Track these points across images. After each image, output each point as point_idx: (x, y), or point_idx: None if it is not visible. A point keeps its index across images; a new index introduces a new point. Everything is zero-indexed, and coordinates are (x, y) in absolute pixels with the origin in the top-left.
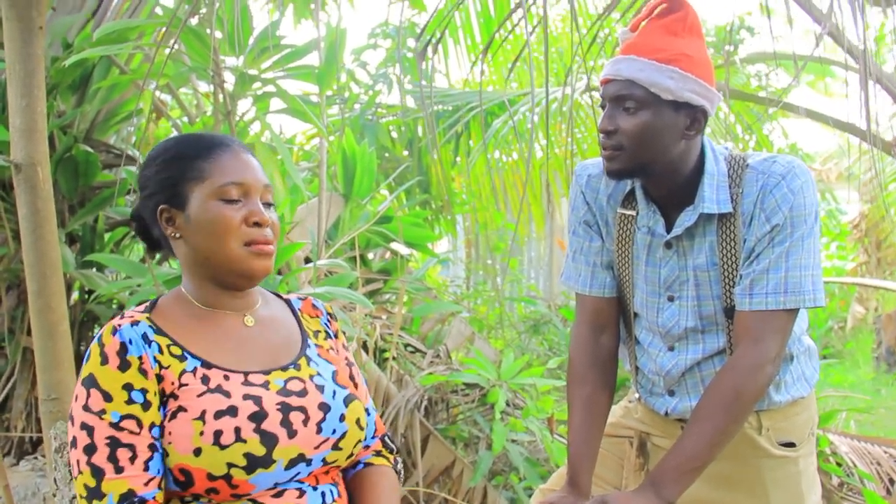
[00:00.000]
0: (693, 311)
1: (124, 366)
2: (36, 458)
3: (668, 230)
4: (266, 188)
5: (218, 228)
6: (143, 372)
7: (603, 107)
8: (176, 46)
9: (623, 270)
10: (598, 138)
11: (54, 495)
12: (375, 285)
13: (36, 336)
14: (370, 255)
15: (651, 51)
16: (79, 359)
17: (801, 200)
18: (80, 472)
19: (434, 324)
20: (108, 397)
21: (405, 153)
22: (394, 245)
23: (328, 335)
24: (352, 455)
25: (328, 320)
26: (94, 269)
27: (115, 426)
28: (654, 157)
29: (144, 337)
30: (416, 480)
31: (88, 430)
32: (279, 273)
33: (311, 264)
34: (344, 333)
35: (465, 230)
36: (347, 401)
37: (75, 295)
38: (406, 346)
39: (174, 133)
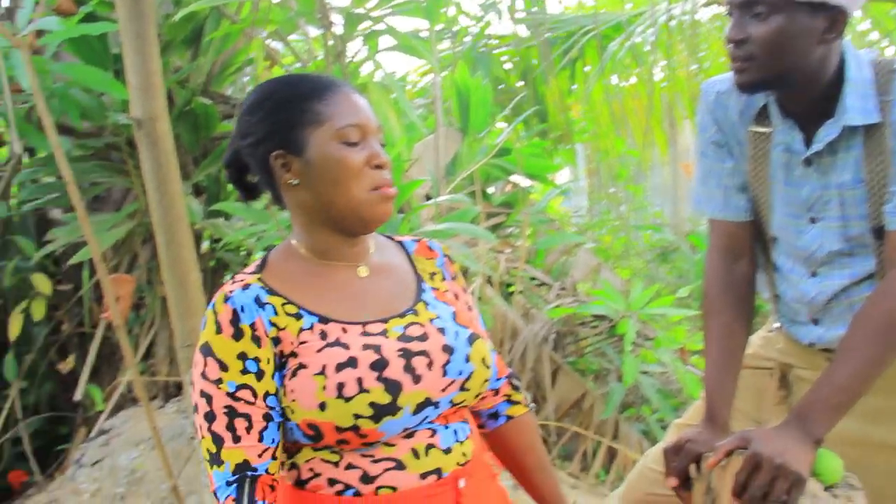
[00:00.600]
0: (838, 232)
1: (238, 334)
2: (180, 400)
3: (808, 146)
4: (379, 129)
5: (342, 173)
6: (257, 339)
7: (730, 14)
8: None
9: (759, 192)
10: (727, 49)
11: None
12: (497, 219)
13: (168, 286)
14: (490, 189)
15: None
16: None
17: None
18: (202, 437)
19: (559, 255)
20: (223, 367)
21: (520, 84)
22: (514, 177)
23: (444, 277)
24: (479, 395)
25: (444, 262)
26: (221, 218)
27: (232, 396)
28: (789, 66)
29: (257, 300)
30: (545, 415)
31: (207, 398)
32: (400, 211)
33: (431, 201)
34: (465, 273)
35: (586, 159)
36: (471, 340)
37: (205, 244)
38: (531, 279)
39: None
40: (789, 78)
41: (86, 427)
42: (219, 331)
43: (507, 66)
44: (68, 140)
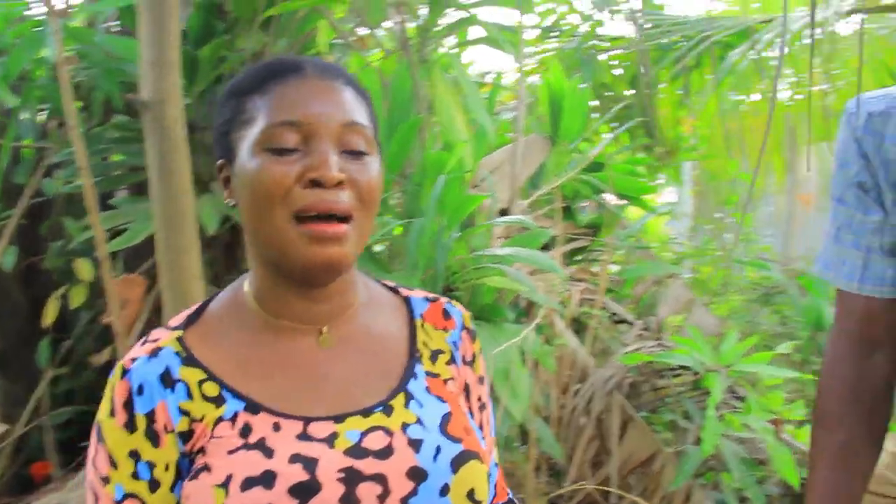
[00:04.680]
0: None
1: (131, 425)
2: None
3: None
4: (350, 128)
5: (258, 193)
6: (154, 436)
7: None
8: None
9: None
10: None
11: None
12: (580, 243)
13: (166, 298)
14: (580, 207)
15: None
16: None
17: None
18: None
19: (649, 286)
20: (113, 463)
21: (629, 92)
22: (604, 196)
23: (454, 359)
24: None
25: (461, 336)
26: None
27: None
28: None
29: (164, 377)
30: (607, 473)
31: (94, 495)
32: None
33: (491, 221)
34: (530, 308)
35: (693, 180)
36: (458, 462)
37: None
38: (611, 315)
39: None
40: None
41: None
42: (112, 412)
43: (617, 71)
44: (127, 119)
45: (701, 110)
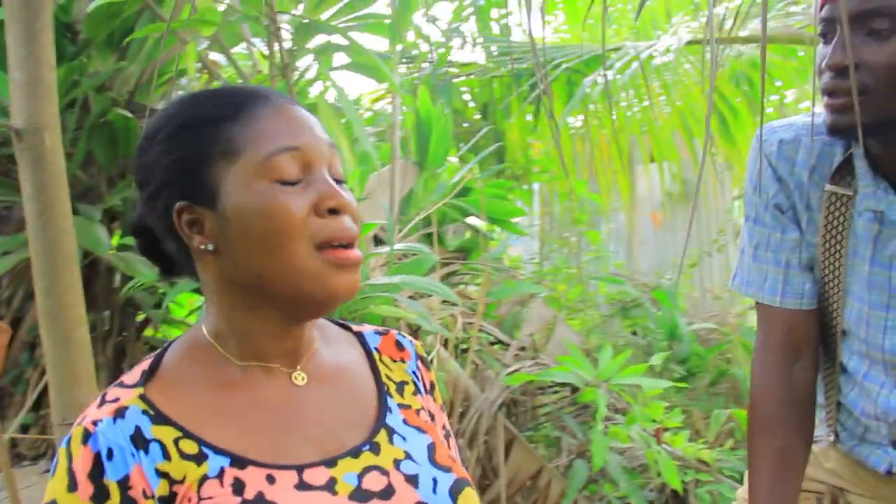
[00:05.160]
0: None
1: (100, 496)
2: None
3: None
4: (332, 152)
5: (275, 228)
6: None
7: (824, 35)
8: None
9: (830, 271)
10: (821, 80)
11: None
12: (451, 267)
13: (47, 344)
14: (447, 230)
15: None
16: (112, 368)
17: None
18: None
19: (512, 306)
20: None
21: (477, 116)
22: (472, 220)
23: (418, 389)
24: None
25: (419, 366)
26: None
27: None
28: None
29: (136, 438)
30: (497, 492)
31: None
32: None
33: (384, 248)
34: (416, 333)
35: (542, 201)
36: (456, 490)
37: (118, 279)
38: (489, 337)
39: None
40: None
41: None
42: (72, 487)
43: (466, 97)
44: None
45: (550, 134)
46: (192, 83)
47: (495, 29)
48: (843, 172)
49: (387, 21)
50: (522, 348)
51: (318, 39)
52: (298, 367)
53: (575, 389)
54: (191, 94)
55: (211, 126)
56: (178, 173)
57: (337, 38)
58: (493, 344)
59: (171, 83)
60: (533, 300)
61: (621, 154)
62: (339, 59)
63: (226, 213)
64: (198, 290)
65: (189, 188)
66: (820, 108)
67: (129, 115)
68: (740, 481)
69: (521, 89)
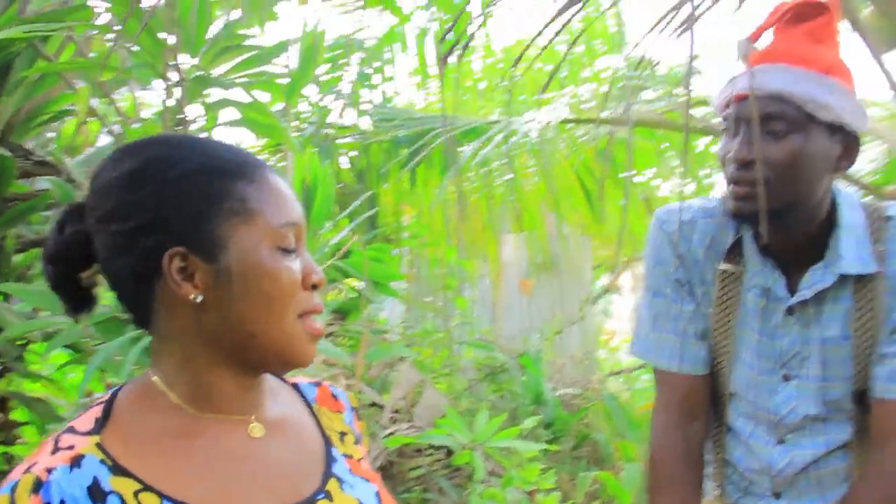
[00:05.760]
0: (816, 394)
1: None
2: None
3: (791, 292)
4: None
5: (275, 293)
6: None
7: (730, 131)
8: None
9: (722, 340)
10: (726, 171)
11: None
12: (331, 328)
13: None
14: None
15: (800, 59)
16: None
17: None
18: None
19: (381, 369)
20: None
21: (353, 181)
22: (354, 283)
23: (357, 439)
24: None
25: (353, 417)
26: (1, 300)
27: None
28: (800, 197)
29: (93, 490)
30: None
31: None
32: None
33: None
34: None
35: (408, 265)
36: None
37: None
38: (367, 399)
39: (107, 140)
40: (795, 210)
41: None
42: None
43: (343, 159)
44: None
45: (423, 201)
46: (67, 126)
47: (377, 96)
48: (735, 252)
49: (282, 81)
50: (397, 411)
51: (213, 92)
52: (254, 418)
53: (450, 452)
54: (194, 139)
55: (228, 179)
56: (179, 217)
57: (232, 93)
58: (369, 406)
59: (48, 124)
60: (401, 363)
61: (491, 221)
62: (228, 114)
63: (228, 269)
64: (72, 347)
65: (189, 235)
66: (719, 193)
67: (4, 153)
68: None
69: (400, 157)
